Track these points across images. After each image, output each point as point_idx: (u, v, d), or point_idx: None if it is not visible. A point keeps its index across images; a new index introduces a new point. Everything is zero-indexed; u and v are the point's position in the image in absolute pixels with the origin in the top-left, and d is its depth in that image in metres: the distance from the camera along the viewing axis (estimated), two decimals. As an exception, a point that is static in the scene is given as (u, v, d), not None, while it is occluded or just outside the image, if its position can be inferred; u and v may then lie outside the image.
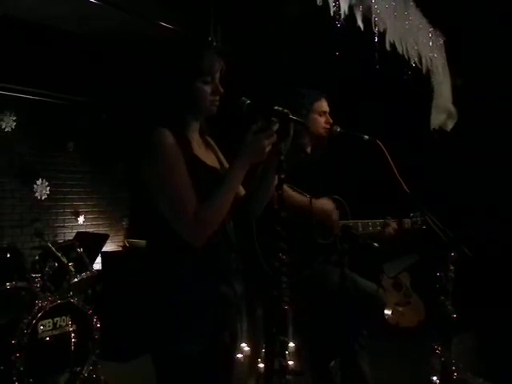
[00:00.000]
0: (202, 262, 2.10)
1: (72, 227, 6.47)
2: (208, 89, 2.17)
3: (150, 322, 2.16)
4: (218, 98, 2.21)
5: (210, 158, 2.28)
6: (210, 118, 2.28)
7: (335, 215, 3.22)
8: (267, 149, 2.08)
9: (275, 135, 2.09)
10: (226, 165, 2.35)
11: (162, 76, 2.25)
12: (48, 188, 6.18)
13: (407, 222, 3.54)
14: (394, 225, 3.45)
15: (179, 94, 2.18)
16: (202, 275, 2.10)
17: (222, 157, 2.41)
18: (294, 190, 3.12)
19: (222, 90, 2.20)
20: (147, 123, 2.19)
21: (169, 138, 2.07)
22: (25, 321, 3.99)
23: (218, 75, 2.20)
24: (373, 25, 3.90)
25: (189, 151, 2.13)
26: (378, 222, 3.43)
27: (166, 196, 2.06)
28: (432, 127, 5.47)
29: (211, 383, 2.16)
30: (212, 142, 2.41)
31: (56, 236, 6.21)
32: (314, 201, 3.09)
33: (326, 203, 3.22)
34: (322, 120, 3.42)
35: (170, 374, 2.13)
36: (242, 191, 2.30)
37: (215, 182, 2.10)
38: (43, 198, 6.15)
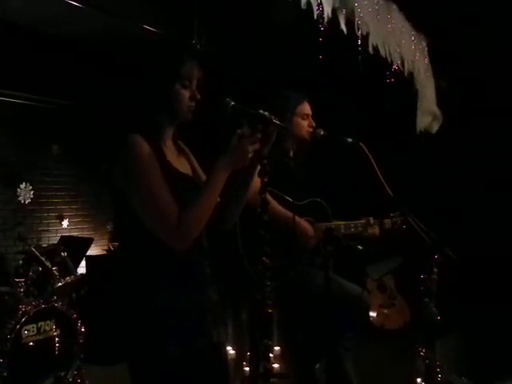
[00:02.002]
0: (176, 268, 2.10)
1: (56, 231, 6.42)
2: (186, 93, 2.16)
3: (126, 329, 2.16)
4: (194, 104, 2.19)
5: (182, 165, 2.26)
6: (189, 123, 2.26)
7: (312, 239, 3.23)
8: (250, 155, 2.07)
9: (259, 142, 2.08)
10: (200, 171, 2.36)
11: (143, 78, 2.25)
12: (32, 192, 6.14)
13: (387, 222, 3.56)
14: (375, 225, 3.47)
15: (157, 96, 2.16)
16: (175, 282, 2.10)
17: (195, 163, 2.39)
18: (276, 195, 3.12)
19: (199, 96, 2.19)
20: (122, 127, 2.18)
21: (143, 145, 2.06)
22: (8, 326, 3.97)
23: (195, 82, 2.19)
24: (356, 28, 3.92)
25: (162, 158, 2.12)
26: (360, 222, 3.45)
27: (146, 205, 2.05)
28: (418, 130, 5.50)
29: None
30: (185, 148, 2.40)
31: (40, 240, 6.17)
32: (296, 219, 3.09)
33: (307, 228, 3.23)
34: (305, 123, 3.43)
35: (146, 380, 2.12)
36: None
37: (188, 189, 2.10)
38: (27, 201, 6.11)
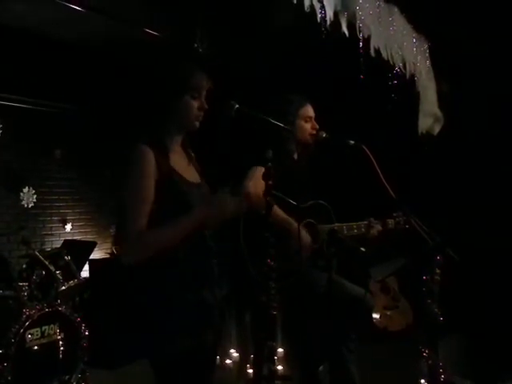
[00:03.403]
0: (182, 269, 2.15)
1: (59, 235, 6.43)
2: (195, 104, 2.25)
3: (133, 329, 2.21)
4: (202, 114, 2.28)
5: (189, 172, 2.33)
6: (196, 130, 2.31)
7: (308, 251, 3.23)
8: (230, 215, 2.16)
9: (244, 205, 2.19)
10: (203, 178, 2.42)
11: (151, 86, 2.30)
12: (35, 196, 6.15)
13: (391, 222, 3.57)
14: (378, 226, 3.48)
15: (167, 106, 2.24)
16: (181, 281, 2.15)
17: (201, 171, 2.46)
18: (280, 198, 3.12)
19: (206, 107, 2.28)
20: (129, 134, 2.24)
21: (147, 155, 2.14)
22: (12, 330, 3.96)
23: (204, 93, 2.28)
24: (357, 31, 3.93)
25: (167, 165, 2.19)
26: (363, 224, 3.46)
27: (122, 209, 2.21)
28: (420, 131, 5.51)
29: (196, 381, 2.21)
30: (194, 157, 2.46)
31: (43, 244, 6.17)
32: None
33: (305, 237, 3.22)
34: (308, 126, 3.44)
35: (157, 375, 2.17)
36: None
37: (193, 195, 2.18)
38: (30, 205, 6.12)
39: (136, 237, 2.08)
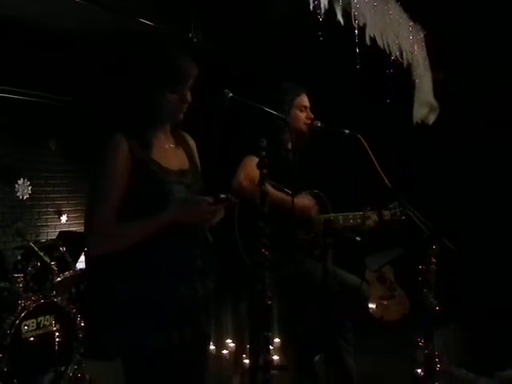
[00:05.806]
0: (163, 260, 2.12)
1: (55, 226, 6.43)
2: (176, 97, 2.19)
3: (111, 325, 2.22)
4: (186, 105, 2.24)
5: (175, 159, 2.28)
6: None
7: (314, 212, 3.24)
8: (205, 222, 2.20)
9: (219, 215, 2.22)
10: (196, 161, 2.38)
11: (134, 81, 2.26)
12: (30, 187, 6.14)
13: (387, 213, 3.56)
14: (374, 217, 3.47)
15: (146, 101, 2.19)
16: (162, 274, 2.12)
17: (194, 153, 2.41)
18: (275, 187, 3.11)
19: (189, 99, 2.23)
20: (110, 125, 2.21)
21: (119, 146, 2.12)
22: (8, 321, 3.96)
23: (189, 83, 2.22)
24: (352, 19, 3.89)
25: (145, 155, 2.15)
26: (359, 214, 3.45)
27: (91, 195, 2.18)
28: (414, 121, 5.49)
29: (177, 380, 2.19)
30: (188, 139, 2.42)
31: (39, 235, 6.17)
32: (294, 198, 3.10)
33: (305, 200, 3.24)
34: (302, 115, 3.44)
35: (135, 372, 2.17)
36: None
37: (173, 183, 2.16)
38: (25, 197, 6.11)
39: (101, 229, 2.08)
